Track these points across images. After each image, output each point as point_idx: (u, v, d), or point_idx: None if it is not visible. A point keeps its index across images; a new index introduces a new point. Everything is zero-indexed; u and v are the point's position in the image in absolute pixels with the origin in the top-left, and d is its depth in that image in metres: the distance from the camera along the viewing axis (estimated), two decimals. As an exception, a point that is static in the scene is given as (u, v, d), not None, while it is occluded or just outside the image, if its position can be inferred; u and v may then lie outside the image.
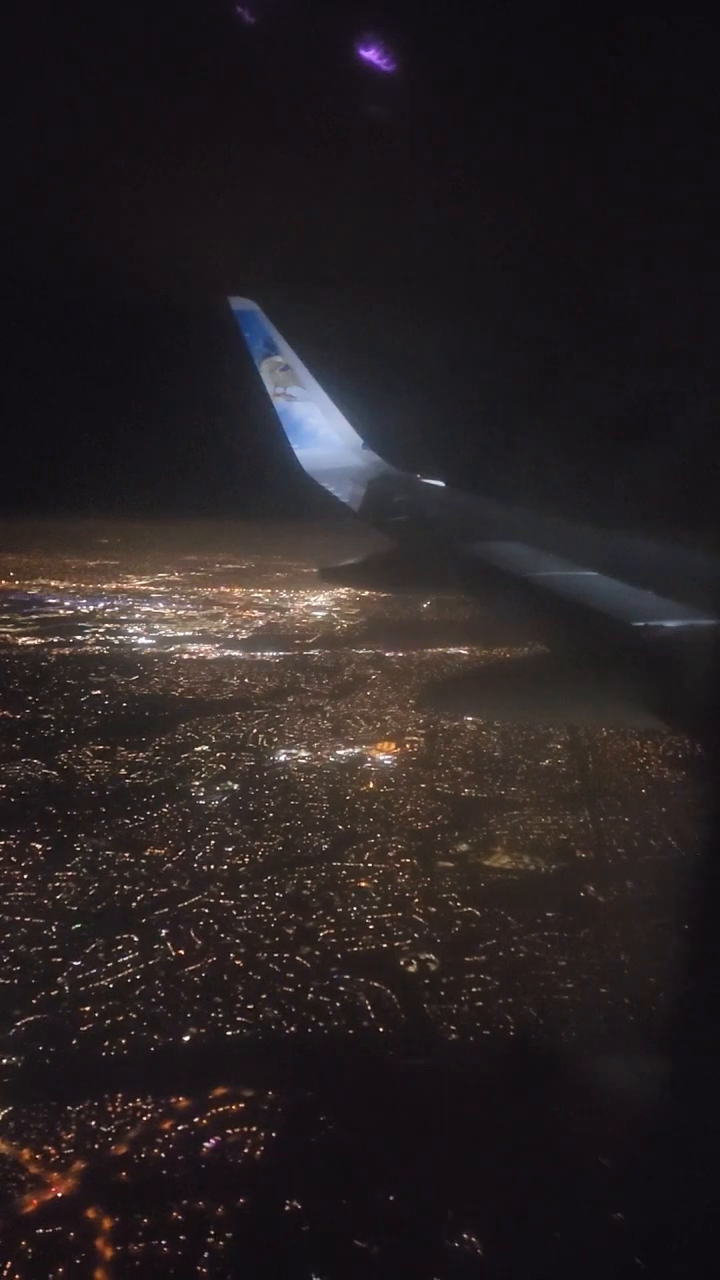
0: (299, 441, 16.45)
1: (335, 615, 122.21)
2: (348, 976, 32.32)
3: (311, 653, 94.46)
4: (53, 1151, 23.46)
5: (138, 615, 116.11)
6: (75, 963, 32.24)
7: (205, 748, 59.21)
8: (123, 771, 53.78)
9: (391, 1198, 22.30)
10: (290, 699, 73.98)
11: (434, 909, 37.90)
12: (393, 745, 62.13)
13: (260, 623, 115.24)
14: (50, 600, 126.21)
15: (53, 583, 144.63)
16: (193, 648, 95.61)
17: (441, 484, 14.89)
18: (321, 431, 16.61)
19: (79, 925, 34.80)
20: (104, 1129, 24.07)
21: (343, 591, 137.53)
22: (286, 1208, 21.77)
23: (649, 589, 6.24)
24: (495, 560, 8.10)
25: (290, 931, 35.36)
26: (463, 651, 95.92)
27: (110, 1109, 24.81)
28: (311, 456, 16.32)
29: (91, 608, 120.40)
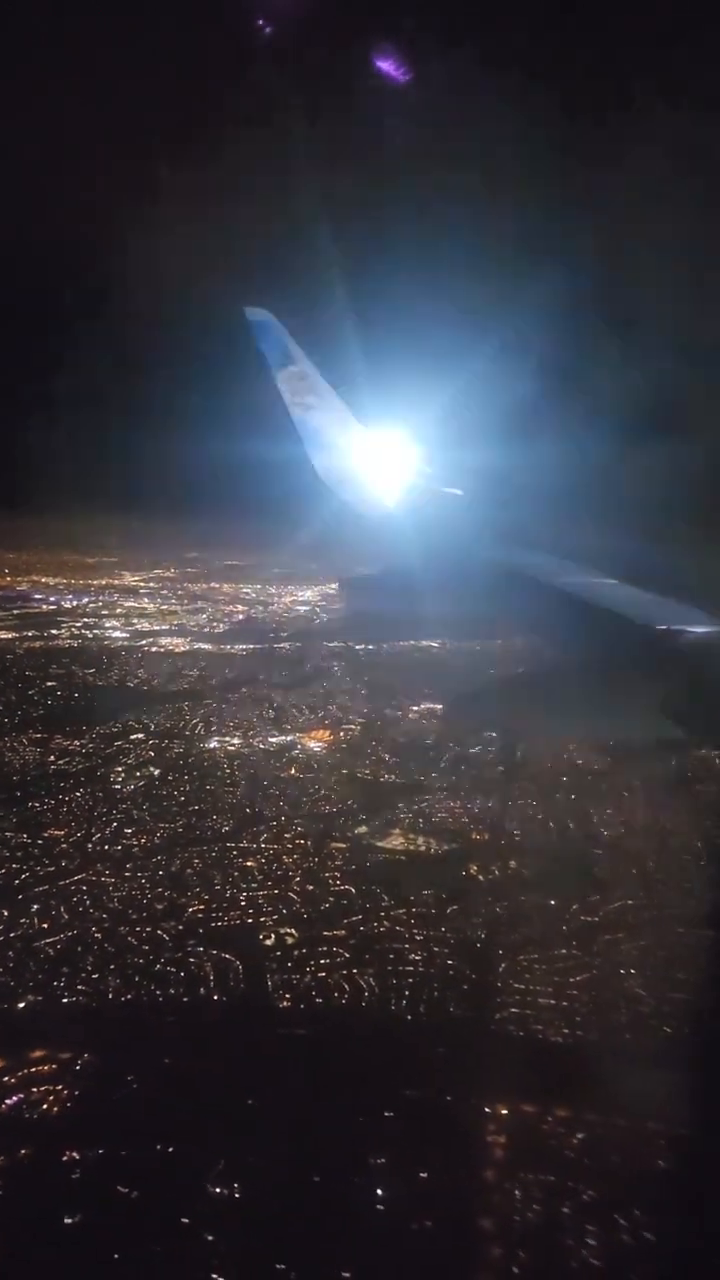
0: (317, 451, 16.45)
1: (318, 610, 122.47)
2: (201, 949, 33.46)
3: (281, 645, 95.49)
4: None
5: (119, 610, 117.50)
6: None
7: (140, 736, 60.54)
8: (51, 758, 55.22)
9: (170, 1149, 23.40)
10: (244, 689, 75.14)
11: (311, 887, 38.91)
12: (326, 734, 63.18)
13: (240, 617, 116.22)
14: (36, 596, 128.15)
15: (44, 579, 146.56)
16: (164, 641, 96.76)
17: (459, 493, 15.05)
18: (339, 441, 16.51)
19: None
20: None
21: (332, 587, 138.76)
22: (64, 1158, 22.95)
23: (670, 597, 6.21)
24: (514, 567, 8.31)
25: (160, 907, 36.57)
26: (434, 644, 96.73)
27: None
28: (329, 465, 16.35)
29: (75, 603, 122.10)
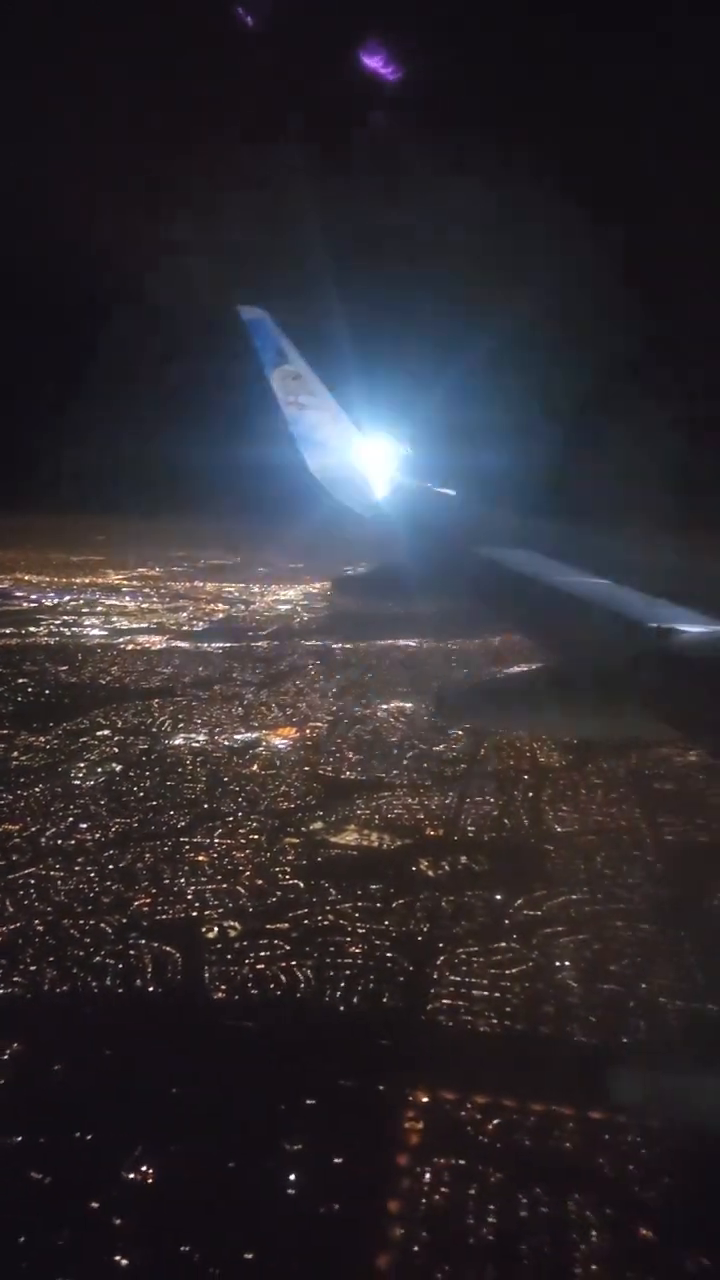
0: (310, 449, 16.67)
1: (299, 609, 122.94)
2: (142, 942, 33.76)
3: (259, 644, 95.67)
4: None
5: (100, 608, 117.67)
6: None
7: (106, 732, 60.84)
8: (15, 754, 55.51)
9: (90, 1136, 23.72)
10: (216, 687, 75.36)
11: (260, 881, 39.21)
12: (292, 731, 63.44)
13: (220, 615, 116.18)
14: (18, 593, 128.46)
15: (28, 577, 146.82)
16: (141, 639, 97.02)
17: (452, 493, 15.05)
18: (332, 440, 16.77)
19: None
20: None
21: (315, 586, 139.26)
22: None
23: (662, 597, 6.18)
24: (506, 565, 8.17)
25: (106, 901, 36.87)
26: (411, 643, 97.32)
27: None
28: (323, 464, 16.54)
29: (57, 601, 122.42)
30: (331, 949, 33.79)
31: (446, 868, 41.25)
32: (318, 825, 45.87)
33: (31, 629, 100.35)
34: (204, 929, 35.02)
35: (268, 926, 35.29)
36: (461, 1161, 22.96)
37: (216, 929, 35.04)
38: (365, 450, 17.10)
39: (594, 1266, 20.04)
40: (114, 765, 53.92)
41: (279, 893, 38.31)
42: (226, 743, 59.80)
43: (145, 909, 36.32)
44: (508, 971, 32.10)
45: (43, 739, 58.67)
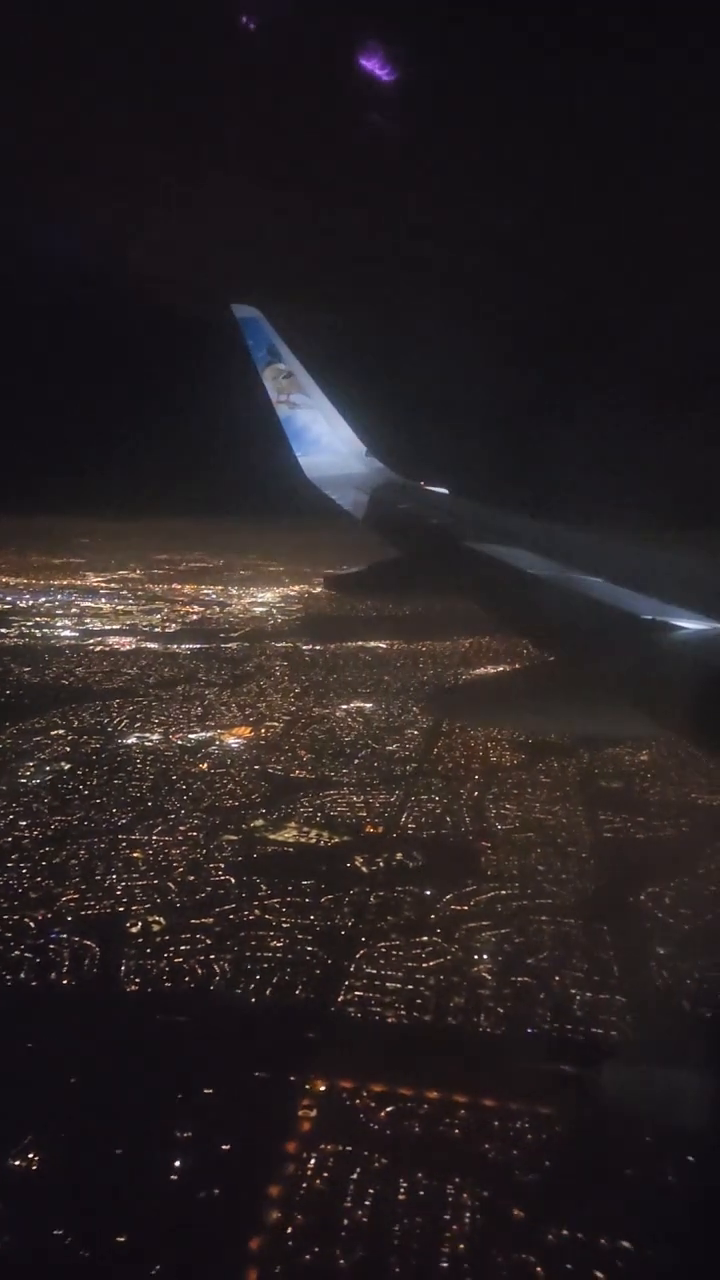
0: (302, 448, 16.56)
1: (275, 611, 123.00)
2: (64, 936, 33.84)
3: (229, 645, 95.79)
4: None
5: (74, 610, 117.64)
6: None
7: (60, 731, 60.85)
8: (-36, 753, 55.48)
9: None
10: (179, 687, 75.45)
11: (192, 877, 39.32)
12: (248, 730, 63.57)
13: (194, 617, 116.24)
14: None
15: (5, 579, 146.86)
16: (112, 640, 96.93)
17: (445, 491, 14.93)
18: (325, 439, 16.69)
19: None
20: None
21: (294, 589, 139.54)
22: None
23: (654, 596, 6.20)
24: (493, 563, 8.16)
25: (34, 896, 36.93)
26: (381, 645, 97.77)
27: None
28: (315, 464, 16.39)
29: (32, 603, 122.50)
30: (253, 943, 33.88)
31: (380, 864, 41.41)
32: (258, 823, 45.98)
33: (2, 630, 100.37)
34: (128, 924, 35.06)
35: (192, 921, 35.39)
36: (348, 1148, 23.13)
37: (140, 924, 35.10)
38: (357, 449, 17.06)
39: (462, 1246, 20.23)
40: (63, 764, 53.97)
41: (208, 888, 38.41)
42: (180, 742, 59.89)
43: (71, 904, 36.38)
44: (425, 965, 32.26)
45: (-6, 738, 58.68)
